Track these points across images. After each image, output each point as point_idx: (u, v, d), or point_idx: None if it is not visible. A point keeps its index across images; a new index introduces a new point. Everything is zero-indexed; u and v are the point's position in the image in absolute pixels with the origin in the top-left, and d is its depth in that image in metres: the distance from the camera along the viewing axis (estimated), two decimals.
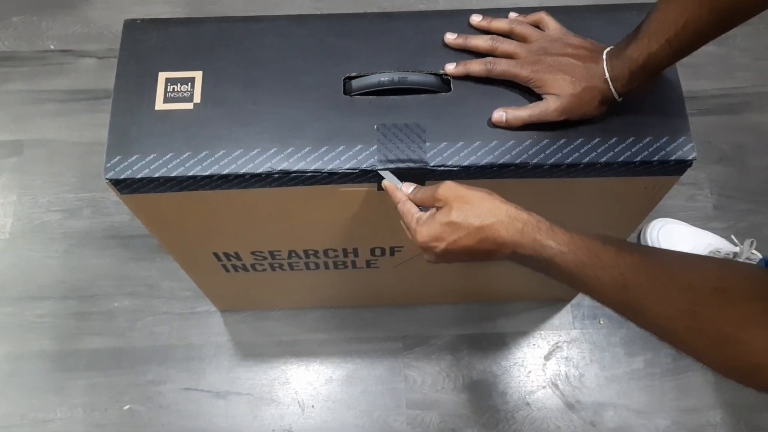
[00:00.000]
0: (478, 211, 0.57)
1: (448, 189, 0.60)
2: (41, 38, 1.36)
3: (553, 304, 1.17)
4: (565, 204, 0.76)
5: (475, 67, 0.68)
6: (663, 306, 0.49)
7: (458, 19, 0.73)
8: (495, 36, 0.70)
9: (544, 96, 0.65)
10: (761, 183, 1.24)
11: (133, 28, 0.73)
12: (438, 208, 0.60)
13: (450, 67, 0.69)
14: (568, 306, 1.17)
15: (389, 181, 0.66)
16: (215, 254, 0.87)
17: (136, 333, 1.14)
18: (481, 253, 0.59)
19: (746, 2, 0.54)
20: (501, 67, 0.67)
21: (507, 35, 0.69)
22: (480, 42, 0.69)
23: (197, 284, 1.01)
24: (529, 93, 0.67)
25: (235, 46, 0.72)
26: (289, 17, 0.74)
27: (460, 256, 0.60)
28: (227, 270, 0.92)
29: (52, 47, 1.36)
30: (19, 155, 1.26)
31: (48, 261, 1.19)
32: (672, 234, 1.15)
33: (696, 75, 1.30)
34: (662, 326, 0.49)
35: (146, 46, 0.72)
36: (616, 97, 0.63)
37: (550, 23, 0.69)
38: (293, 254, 0.88)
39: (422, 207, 0.63)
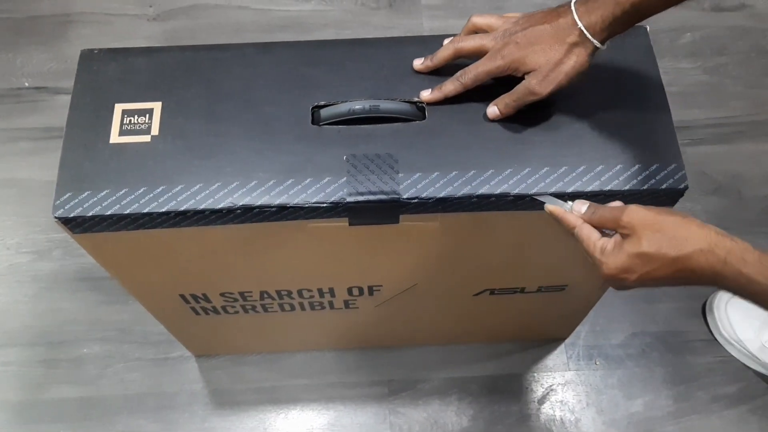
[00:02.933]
0: (673, 240, 0.51)
1: (634, 214, 0.54)
2: (16, 75, 1.33)
3: (546, 343, 1.11)
4: (552, 238, 0.72)
5: (449, 87, 0.64)
6: None
7: (433, 45, 0.69)
8: (456, 38, 0.66)
9: (525, 77, 0.61)
10: (759, 214, 1.20)
11: (90, 58, 0.70)
12: (624, 235, 0.54)
13: (425, 94, 0.65)
14: (562, 346, 1.11)
15: (552, 204, 0.61)
16: (182, 296, 0.81)
17: (106, 381, 1.08)
18: (678, 282, 0.53)
19: None
20: (472, 72, 0.63)
21: (474, 32, 0.66)
22: (445, 53, 0.65)
23: (167, 329, 0.95)
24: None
25: (198, 75, 0.68)
26: (256, 45, 0.70)
27: (654, 286, 0.55)
28: (197, 313, 0.87)
29: (26, 84, 1.32)
30: None
31: (15, 306, 1.13)
32: (742, 304, 1.07)
33: (687, 104, 1.27)
34: None
35: (103, 76, 0.68)
36: (598, 45, 0.58)
37: (507, 14, 0.65)
38: (266, 295, 0.82)
39: (601, 230, 0.58)
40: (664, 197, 0.63)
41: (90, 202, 0.62)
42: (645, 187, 0.62)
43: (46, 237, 1.18)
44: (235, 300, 0.83)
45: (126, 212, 0.61)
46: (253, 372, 1.09)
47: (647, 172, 0.63)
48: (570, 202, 0.60)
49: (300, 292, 0.82)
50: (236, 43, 0.70)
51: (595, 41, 0.58)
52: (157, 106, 0.66)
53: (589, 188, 0.62)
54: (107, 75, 0.68)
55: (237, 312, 0.88)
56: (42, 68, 1.34)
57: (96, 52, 0.70)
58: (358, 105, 0.65)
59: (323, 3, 1.40)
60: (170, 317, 0.91)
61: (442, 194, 0.62)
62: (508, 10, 0.71)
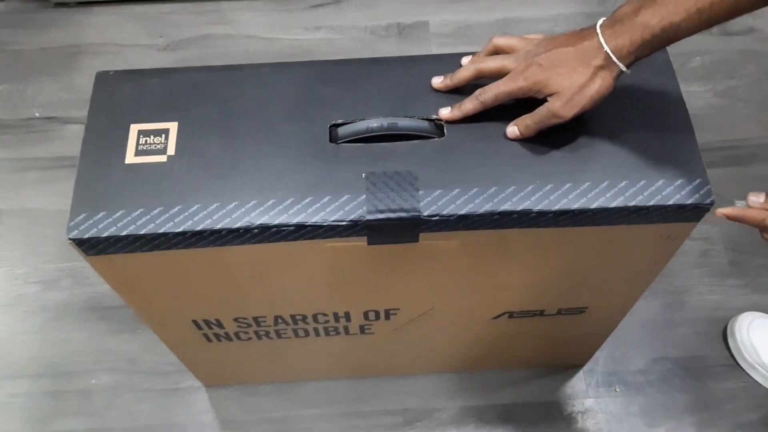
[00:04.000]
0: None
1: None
2: (26, 106, 1.34)
3: (564, 370, 1.09)
4: (574, 257, 0.70)
5: (468, 106, 0.63)
6: None
7: (450, 62, 0.68)
8: (477, 58, 0.65)
9: (547, 99, 0.60)
10: None
11: (105, 80, 0.69)
12: None
13: (444, 113, 0.65)
14: (581, 372, 1.08)
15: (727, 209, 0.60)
16: (195, 322, 0.80)
17: (114, 412, 1.05)
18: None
19: None
20: (492, 92, 0.62)
21: (494, 53, 0.65)
22: (465, 73, 0.64)
23: (178, 356, 0.93)
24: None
25: (214, 95, 0.67)
26: (272, 65, 0.70)
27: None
28: (209, 339, 0.85)
29: (37, 114, 1.32)
30: None
31: (23, 336, 1.12)
32: (765, 327, 1.06)
33: (699, 127, 1.23)
34: None
35: (118, 98, 0.68)
36: (623, 69, 0.57)
37: (529, 36, 0.64)
38: (280, 320, 0.81)
39: None
40: (690, 212, 0.62)
41: (105, 222, 0.61)
42: (671, 202, 0.61)
43: (55, 267, 1.17)
44: (249, 325, 0.82)
45: (141, 233, 0.60)
46: (264, 402, 1.06)
47: (672, 187, 0.61)
48: (739, 201, 0.59)
49: (315, 317, 0.81)
50: (251, 63, 0.70)
51: (621, 65, 0.57)
52: (173, 126, 0.65)
53: (613, 204, 0.61)
54: (122, 96, 0.68)
55: (250, 338, 0.86)
56: (52, 98, 1.34)
57: (111, 74, 0.70)
58: (375, 123, 0.65)
59: (333, 32, 1.41)
60: (182, 344, 0.89)
61: (463, 211, 0.60)
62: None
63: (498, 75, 0.63)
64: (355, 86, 0.68)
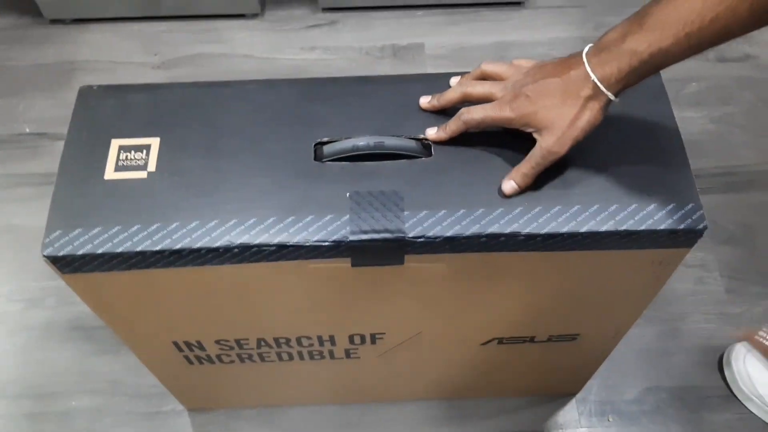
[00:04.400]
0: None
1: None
2: (17, 121, 1.32)
3: (556, 398, 1.06)
4: (564, 282, 0.69)
5: (452, 126, 0.62)
6: None
7: (439, 82, 0.67)
8: (466, 81, 0.64)
9: (535, 136, 0.58)
10: None
11: (88, 94, 0.68)
12: None
13: (431, 132, 0.63)
14: (573, 401, 1.06)
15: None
16: (175, 344, 0.77)
17: None
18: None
19: None
20: (477, 114, 0.60)
21: (482, 78, 0.64)
22: (453, 95, 0.63)
23: (159, 379, 0.91)
24: (519, 139, 0.60)
25: (199, 112, 0.66)
26: (258, 82, 0.69)
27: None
28: (191, 362, 0.83)
29: (27, 130, 1.31)
30: None
31: (4, 356, 1.09)
32: (761, 357, 1.04)
33: (695, 153, 1.23)
34: None
35: (101, 112, 0.66)
36: (612, 98, 0.55)
37: (518, 61, 0.62)
38: (263, 343, 0.79)
39: None
40: (682, 238, 0.60)
41: (81, 240, 0.59)
42: (662, 227, 0.59)
43: (40, 285, 1.15)
44: (231, 348, 0.80)
45: (118, 251, 0.59)
46: (248, 427, 1.04)
47: (664, 211, 0.60)
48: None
49: (299, 340, 0.79)
50: (237, 80, 0.69)
51: (609, 94, 0.55)
52: (155, 142, 0.64)
53: (603, 228, 0.59)
54: (105, 111, 0.66)
55: (233, 361, 0.84)
56: (44, 114, 1.33)
57: (95, 88, 0.68)
58: (362, 141, 0.63)
59: (328, 52, 1.41)
60: (163, 367, 0.87)
61: (449, 233, 0.59)
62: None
63: (485, 100, 0.61)
64: (343, 104, 0.66)
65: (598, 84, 0.54)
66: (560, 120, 0.56)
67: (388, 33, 1.42)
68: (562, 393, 1.06)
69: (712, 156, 1.27)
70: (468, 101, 0.62)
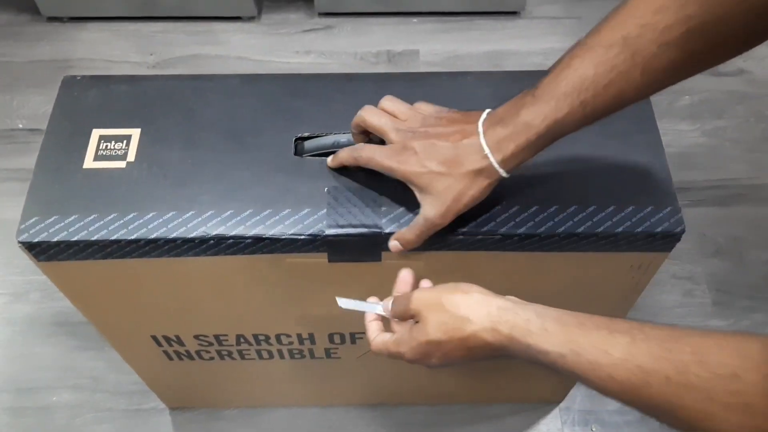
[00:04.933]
0: (457, 321, 0.49)
1: (418, 301, 0.52)
2: (11, 117, 1.33)
3: (540, 407, 1.05)
4: (541, 285, 0.68)
5: (344, 155, 0.59)
6: (701, 402, 0.39)
7: (421, 81, 0.68)
8: (369, 108, 0.59)
9: (418, 198, 0.55)
10: (761, 278, 1.16)
11: (71, 84, 0.68)
12: (416, 321, 0.53)
13: (328, 160, 0.61)
14: (557, 410, 1.05)
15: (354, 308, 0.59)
16: (154, 338, 0.77)
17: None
18: (480, 356, 0.51)
19: (682, 63, 0.46)
20: (366, 154, 0.57)
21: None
22: (354, 120, 0.59)
23: (140, 375, 0.90)
24: None
25: (180, 104, 0.66)
26: (241, 76, 0.69)
27: (462, 362, 0.52)
28: (170, 358, 0.83)
29: (20, 126, 1.32)
30: None
31: None
32: None
33: (686, 166, 1.25)
34: (701, 426, 0.39)
35: (83, 103, 0.67)
36: (503, 173, 0.52)
37: (419, 105, 0.58)
38: (242, 340, 0.78)
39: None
40: (660, 241, 0.60)
41: (57, 227, 0.59)
42: (639, 229, 0.59)
43: (25, 279, 1.15)
44: (210, 344, 0.79)
45: (93, 238, 0.58)
46: (229, 428, 1.03)
47: (641, 214, 0.60)
48: (371, 304, 0.58)
49: (278, 338, 0.78)
50: (220, 74, 0.69)
51: (501, 171, 0.52)
52: (135, 133, 0.64)
53: (580, 229, 0.59)
54: (87, 101, 0.67)
55: (212, 358, 0.83)
56: (37, 111, 1.34)
57: (78, 78, 0.69)
58: (343, 138, 0.63)
59: (323, 56, 1.41)
60: (143, 363, 0.86)
61: None
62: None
63: (377, 134, 0.57)
64: (325, 101, 0.66)
65: (492, 160, 0.51)
66: (446, 193, 0.53)
67: (384, 39, 1.43)
68: (546, 401, 1.06)
69: (703, 169, 1.26)
70: (364, 127, 0.58)
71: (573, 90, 0.48)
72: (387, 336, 0.56)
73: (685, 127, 1.32)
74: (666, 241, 0.60)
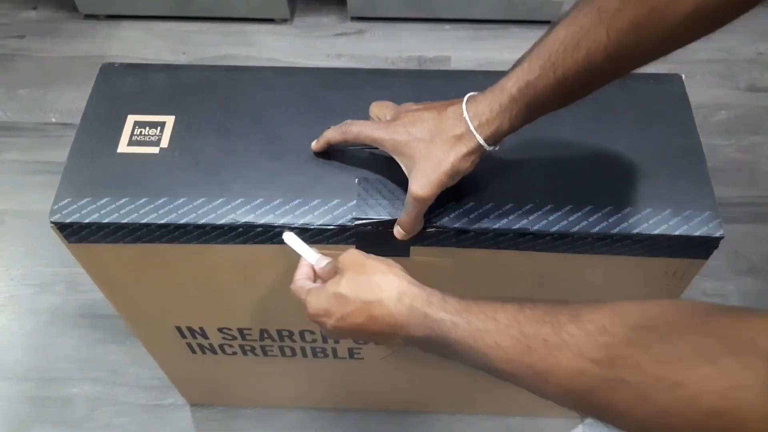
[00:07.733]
0: (369, 284, 0.50)
1: (348, 256, 0.53)
2: (44, 111, 1.35)
3: (563, 421, 1.03)
4: (572, 289, 0.67)
5: (331, 133, 0.59)
6: (572, 360, 0.38)
7: (455, 79, 0.67)
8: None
9: (407, 173, 0.54)
10: None
11: (109, 71, 0.69)
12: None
13: (313, 144, 0.62)
14: (580, 427, 1.03)
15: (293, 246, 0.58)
16: (179, 329, 0.77)
17: (91, 424, 1.02)
18: (375, 334, 0.51)
19: (645, 22, 0.43)
20: (355, 128, 0.57)
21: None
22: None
23: (162, 367, 0.90)
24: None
25: (215, 94, 0.66)
26: (275, 69, 0.69)
27: (354, 335, 0.52)
28: (193, 351, 0.82)
29: (53, 120, 1.33)
30: (0, 224, 1.21)
31: (10, 338, 1.09)
32: None
33: (720, 181, 1.22)
34: (574, 387, 0.38)
35: (120, 89, 0.67)
36: (480, 140, 0.51)
37: (407, 104, 0.59)
38: (266, 335, 0.78)
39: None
40: (697, 246, 0.58)
41: (88, 209, 0.59)
42: (677, 233, 0.57)
43: (52, 270, 1.16)
44: (234, 338, 0.79)
45: (124, 221, 0.59)
46: (247, 427, 1.02)
47: (679, 217, 0.58)
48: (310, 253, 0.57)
49: (302, 334, 0.77)
50: (255, 66, 0.69)
51: (478, 136, 0.51)
52: (170, 120, 0.64)
53: (615, 230, 0.58)
54: (124, 88, 0.67)
55: (235, 353, 0.83)
56: (71, 105, 1.35)
57: (116, 66, 0.69)
58: None
59: (353, 60, 1.41)
60: (165, 354, 0.86)
61: (456, 225, 0.58)
62: None
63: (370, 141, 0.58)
64: (358, 95, 0.66)
65: (468, 123, 0.51)
66: (428, 161, 0.52)
67: (416, 44, 1.43)
68: (570, 416, 1.03)
69: (737, 185, 1.24)
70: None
71: (544, 51, 0.48)
72: (309, 283, 0.56)
73: (720, 141, 1.30)
74: (703, 246, 0.59)
